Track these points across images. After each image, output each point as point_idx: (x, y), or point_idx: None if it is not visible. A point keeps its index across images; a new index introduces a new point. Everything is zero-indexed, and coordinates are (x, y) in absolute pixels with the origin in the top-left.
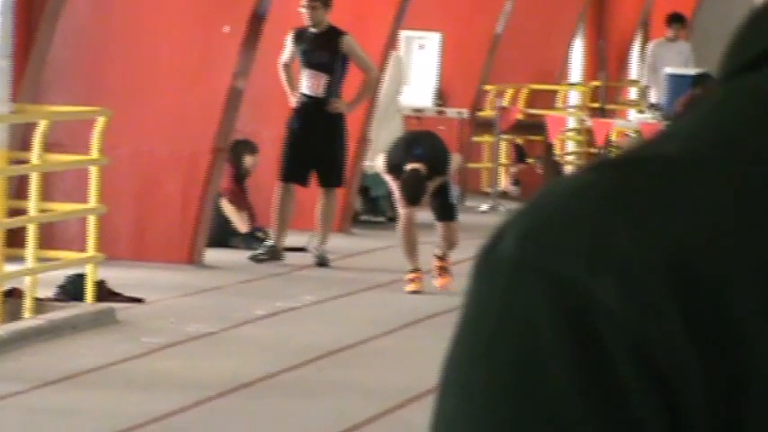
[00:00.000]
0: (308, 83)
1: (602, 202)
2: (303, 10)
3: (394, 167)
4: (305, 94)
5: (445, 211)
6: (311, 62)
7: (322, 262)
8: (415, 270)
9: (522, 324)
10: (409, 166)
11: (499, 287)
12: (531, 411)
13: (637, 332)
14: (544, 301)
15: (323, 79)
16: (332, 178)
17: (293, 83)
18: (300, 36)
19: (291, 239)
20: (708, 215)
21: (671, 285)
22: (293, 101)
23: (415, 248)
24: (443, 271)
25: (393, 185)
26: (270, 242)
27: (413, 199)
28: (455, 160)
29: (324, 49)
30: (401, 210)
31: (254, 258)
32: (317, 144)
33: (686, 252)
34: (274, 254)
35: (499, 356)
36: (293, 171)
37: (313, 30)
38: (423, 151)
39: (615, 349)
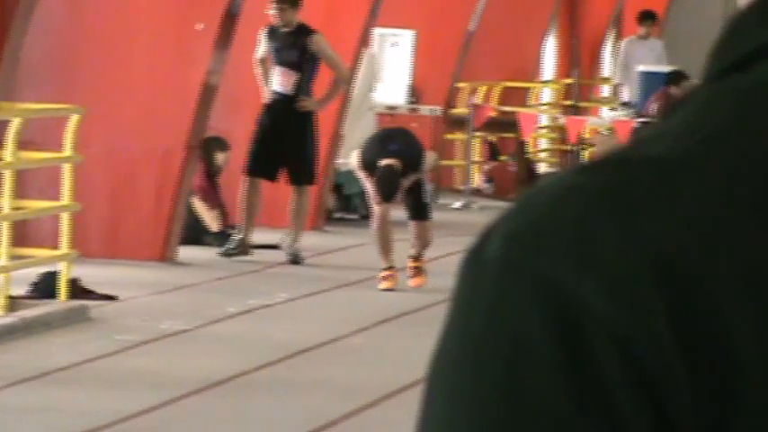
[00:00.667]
0: (278, 80)
1: (589, 203)
2: (271, 11)
3: (368, 164)
4: (275, 91)
5: (419, 210)
6: (282, 60)
7: (295, 260)
8: (390, 267)
9: (509, 326)
10: (383, 162)
11: (486, 289)
12: (518, 413)
13: (623, 333)
14: (530, 302)
15: (293, 77)
16: (302, 176)
17: (268, 78)
18: (272, 33)
19: (265, 237)
20: (694, 216)
21: (657, 286)
22: (264, 97)
23: (389, 246)
24: (418, 271)
25: (367, 183)
26: (238, 236)
27: (387, 195)
28: (429, 158)
29: (293, 48)
30: (375, 207)
31: (225, 253)
32: (286, 141)
33: (672, 253)
34: (245, 248)
35: (486, 358)
36: (259, 166)
37: (284, 28)
38: (397, 147)
39: (601, 351)
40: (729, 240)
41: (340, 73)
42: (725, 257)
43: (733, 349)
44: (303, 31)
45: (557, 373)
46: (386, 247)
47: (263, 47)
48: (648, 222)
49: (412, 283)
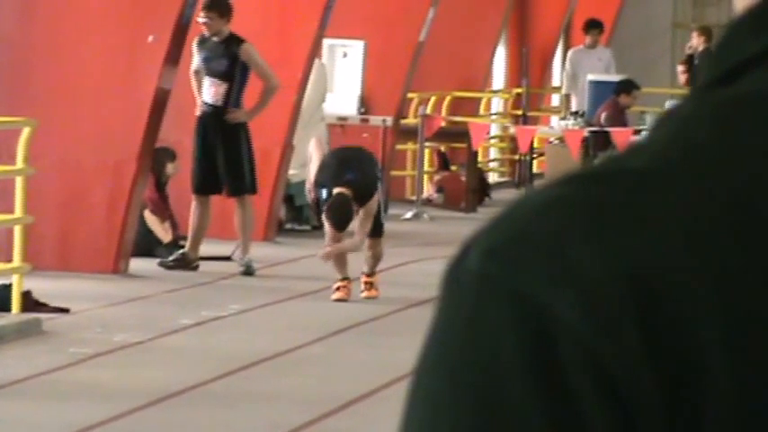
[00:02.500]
0: (208, 91)
1: (565, 217)
2: (201, 21)
3: (322, 186)
4: (206, 103)
5: (374, 229)
6: (211, 70)
7: (248, 271)
8: (344, 279)
9: (485, 340)
10: (336, 190)
11: (464, 302)
12: (493, 426)
13: (595, 349)
14: (506, 319)
15: (222, 87)
16: (237, 187)
17: (201, 89)
18: (202, 43)
19: (217, 249)
20: (670, 231)
21: (629, 302)
22: (197, 109)
23: (343, 262)
24: (370, 286)
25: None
26: (182, 251)
27: (340, 224)
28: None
29: (223, 57)
30: (328, 233)
31: (163, 264)
32: (219, 153)
33: (646, 268)
34: (186, 263)
35: (463, 372)
36: (203, 183)
37: (214, 38)
38: (353, 177)
39: (573, 365)
40: (700, 255)
41: (269, 82)
42: (696, 272)
43: (703, 363)
44: (233, 41)
45: (530, 388)
46: (340, 264)
47: (197, 59)
48: (622, 237)
49: (364, 295)
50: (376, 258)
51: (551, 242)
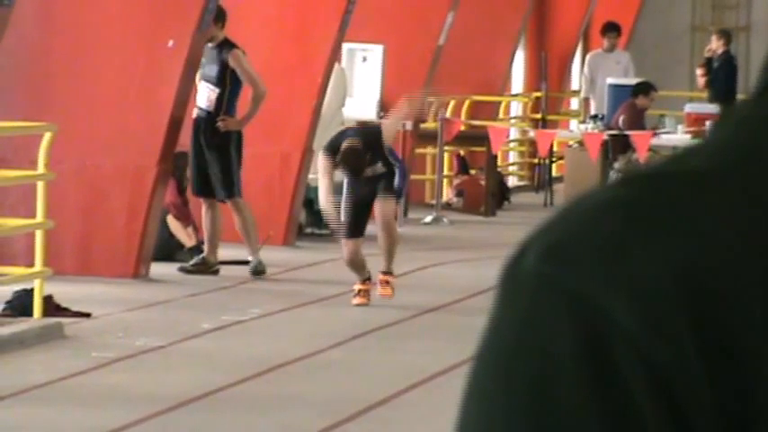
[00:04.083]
0: (202, 96)
1: (622, 218)
2: None
3: (331, 150)
4: (199, 107)
5: (387, 191)
6: (205, 75)
7: (255, 272)
8: (366, 280)
9: (540, 341)
10: (344, 144)
11: (520, 303)
12: (545, 428)
13: (649, 351)
14: (562, 319)
15: (214, 93)
16: (227, 193)
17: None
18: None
19: (237, 253)
20: (726, 232)
21: (685, 304)
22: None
23: (362, 265)
24: (386, 284)
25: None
26: (202, 255)
27: (355, 169)
28: (387, 129)
29: (214, 63)
30: (344, 245)
31: (183, 269)
32: (210, 158)
33: (702, 270)
34: (206, 267)
35: (517, 372)
36: (199, 185)
37: (209, 44)
38: (354, 131)
39: (628, 367)
40: (756, 257)
41: (257, 89)
42: (751, 276)
43: (759, 368)
44: (225, 47)
45: (583, 391)
46: (358, 266)
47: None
48: (678, 238)
49: (379, 292)
50: (391, 250)
51: (608, 243)
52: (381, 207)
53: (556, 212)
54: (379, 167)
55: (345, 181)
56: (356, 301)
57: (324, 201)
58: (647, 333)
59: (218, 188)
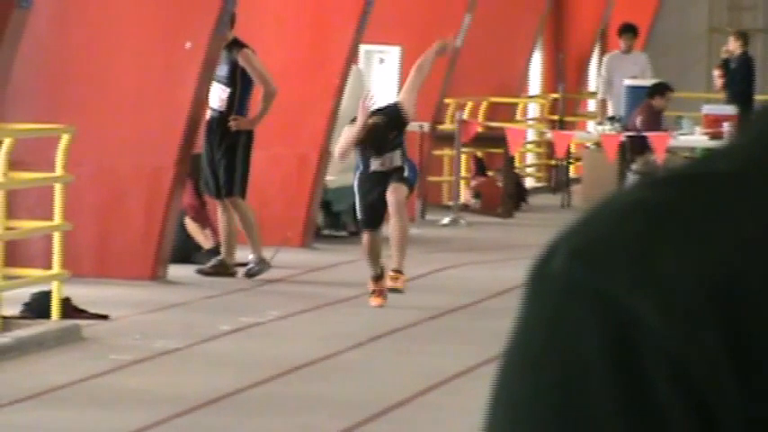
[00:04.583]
0: (214, 97)
1: (651, 220)
2: None
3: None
4: (212, 108)
5: (400, 179)
6: (216, 76)
7: (249, 273)
8: (377, 279)
9: (568, 342)
10: (369, 122)
11: (548, 304)
12: (573, 428)
13: (676, 352)
14: (590, 320)
15: (225, 93)
16: (226, 190)
17: None
18: None
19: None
20: (751, 235)
21: (711, 306)
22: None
23: (377, 259)
24: (396, 280)
25: (348, 136)
26: (220, 257)
27: (380, 145)
28: (405, 104)
29: (224, 63)
30: (364, 234)
31: (201, 271)
32: (218, 158)
33: (730, 273)
34: (224, 269)
35: (545, 372)
36: (211, 186)
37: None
38: (376, 112)
39: (655, 369)
40: None
41: (267, 87)
42: None
43: None
44: (234, 47)
45: (611, 392)
46: (374, 255)
47: None
48: (706, 241)
49: (389, 285)
50: (402, 241)
51: (636, 245)
52: (393, 191)
53: (584, 214)
54: (397, 157)
55: (357, 180)
56: (374, 302)
57: (340, 147)
58: (675, 334)
59: (219, 184)
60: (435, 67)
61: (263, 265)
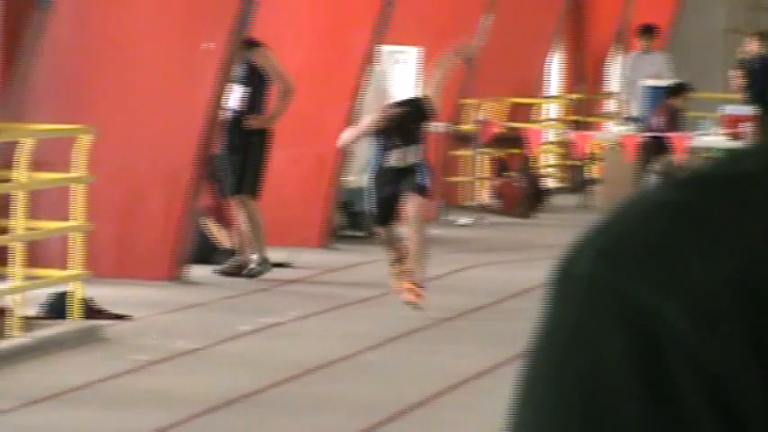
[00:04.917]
0: (231, 96)
1: (675, 221)
2: None
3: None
4: (229, 108)
5: (416, 188)
6: (233, 76)
7: (249, 274)
8: (398, 260)
9: (593, 343)
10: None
11: (573, 305)
12: (596, 428)
13: (700, 352)
14: (614, 321)
15: (241, 92)
16: (234, 188)
17: None
18: None
19: (273, 255)
20: None
21: (735, 306)
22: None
23: (395, 244)
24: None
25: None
26: (238, 258)
27: (405, 133)
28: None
29: (241, 63)
30: (377, 229)
31: (219, 271)
32: (234, 156)
33: (755, 273)
34: (240, 269)
35: (568, 374)
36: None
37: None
38: (399, 104)
39: (680, 369)
40: None
41: (285, 84)
42: None
43: None
44: (250, 45)
45: (635, 395)
46: (392, 242)
47: None
48: (731, 243)
49: (404, 296)
50: (420, 254)
51: (661, 246)
52: (411, 204)
53: (609, 215)
54: (411, 154)
55: (371, 175)
56: (408, 297)
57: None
58: (700, 334)
59: (229, 182)
60: (455, 67)
61: (264, 265)
